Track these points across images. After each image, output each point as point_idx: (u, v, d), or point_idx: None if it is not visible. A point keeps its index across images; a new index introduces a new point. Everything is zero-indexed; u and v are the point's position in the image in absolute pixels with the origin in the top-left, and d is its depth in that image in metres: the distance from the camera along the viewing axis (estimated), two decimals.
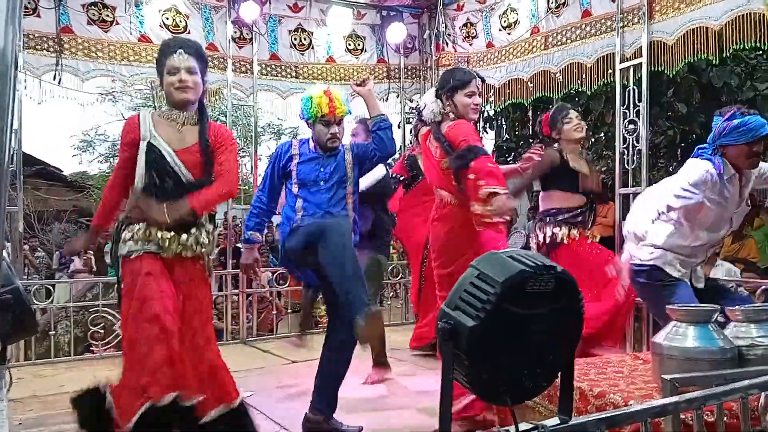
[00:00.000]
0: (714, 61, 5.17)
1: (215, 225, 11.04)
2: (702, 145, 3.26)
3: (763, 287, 4.17)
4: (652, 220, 3.21)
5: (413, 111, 7.95)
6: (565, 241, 4.11)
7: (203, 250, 2.91)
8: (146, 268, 2.75)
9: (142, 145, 2.84)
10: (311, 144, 3.57)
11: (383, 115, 3.57)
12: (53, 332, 5.54)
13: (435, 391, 1.38)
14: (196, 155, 2.87)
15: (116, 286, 2.96)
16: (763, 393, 1.77)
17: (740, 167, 3.15)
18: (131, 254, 2.79)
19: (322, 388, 3.50)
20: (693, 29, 4.69)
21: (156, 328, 2.61)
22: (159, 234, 2.78)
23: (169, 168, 2.83)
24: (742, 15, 4.36)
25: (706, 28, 4.60)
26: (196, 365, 2.78)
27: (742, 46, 4.51)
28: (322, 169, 3.51)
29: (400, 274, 7.08)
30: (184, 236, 2.82)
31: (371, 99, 3.60)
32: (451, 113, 3.42)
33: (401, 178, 5.11)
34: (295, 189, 3.49)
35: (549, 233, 4.16)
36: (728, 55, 4.91)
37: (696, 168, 3.12)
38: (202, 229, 2.91)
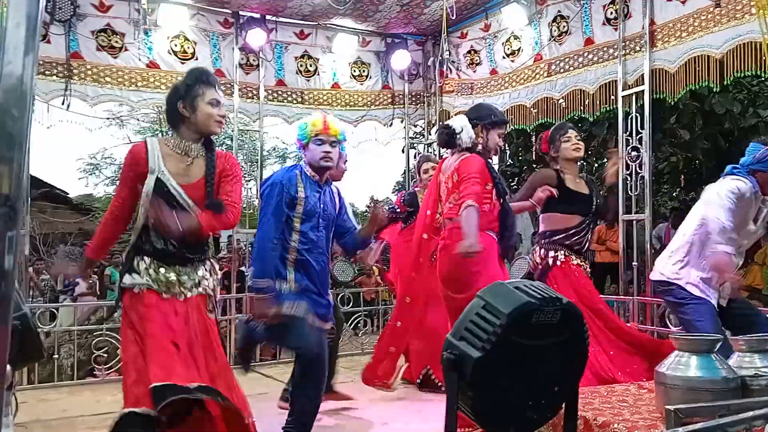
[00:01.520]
0: (716, 89, 5.21)
1: (219, 249, 11.07)
2: (735, 165, 3.47)
3: None
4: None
5: (417, 136, 8.05)
6: (558, 264, 4.10)
7: (207, 287, 2.90)
8: (152, 303, 2.73)
9: (150, 179, 2.78)
10: (307, 170, 3.44)
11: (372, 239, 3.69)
12: (57, 356, 5.54)
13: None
14: (202, 189, 2.83)
15: (116, 309, 2.94)
16: (767, 424, 1.77)
17: (766, 192, 3.38)
18: (134, 287, 2.76)
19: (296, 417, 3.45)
20: (694, 57, 4.74)
21: (163, 354, 2.60)
22: (163, 272, 2.77)
23: (177, 205, 2.78)
24: (743, 44, 4.41)
25: (708, 56, 4.65)
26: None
27: (743, 73, 4.56)
28: (321, 204, 3.41)
29: (388, 302, 7.07)
30: (185, 278, 2.81)
31: (375, 225, 3.57)
32: (480, 145, 3.53)
33: (398, 210, 5.14)
34: (296, 224, 3.34)
35: (543, 255, 4.16)
36: (730, 82, 4.94)
37: (736, 182, 3.36)
38: (205, 264, 2.90)
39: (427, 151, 7.40)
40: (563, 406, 1.50)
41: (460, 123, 3.57)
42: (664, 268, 3.56)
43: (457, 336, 1.40)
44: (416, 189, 5.32)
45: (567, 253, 4.15)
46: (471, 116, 3.61)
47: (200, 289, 2.87)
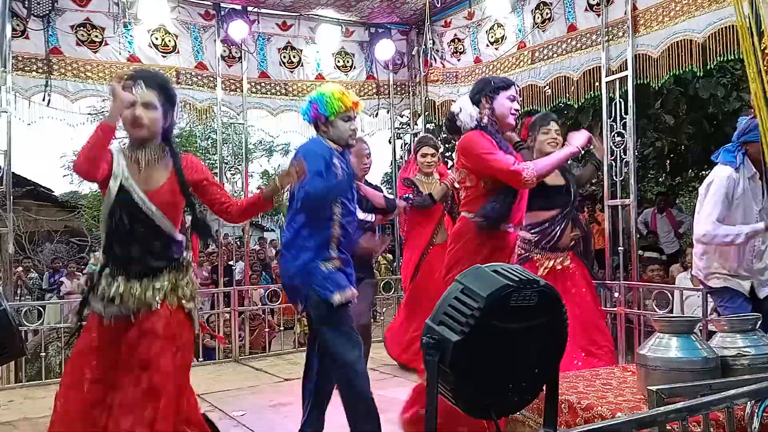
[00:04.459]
0: (699, 73, 5.22)
1: (207, 244, 10.99)
2: (727, 145, 3.54)
3: None
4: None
5: (403, 126, 8.04)
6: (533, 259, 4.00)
7: (177, 297, 2.78)
8: (89, 340, 2.70)
9: (113, 184, 2.69)
10: (330, 143, 3.29)
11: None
12: (44, 354, 5.50)
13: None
14: (166, 196, 2.76)
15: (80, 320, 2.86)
16: (749, 402, 1.79)
17: (760, 162, 3.36)
18: (96, 311, 2.72)
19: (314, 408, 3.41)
20: (677, 42, 4.74)
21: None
22: (121, 286, 2.69)
23: (140, 213, 2.71)
24: (725, 27, 4.41)
25: (690, 40, 4.65)
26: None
27: (726, 57, 4.56)
28: (347, 175, 3.32)
29: (393, 290, 7.07)
30: (147, 292, 2.70)
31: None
32: (485, 118, 3.29)
33: (411, 197, 5.17)
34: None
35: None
36: (713, 66, 4.94)
37: (715, 182, 3.46)
38: (178, 272, 2.81)
39: (414, 142, 7.39)
40: (544, 388, 1.50)
41: (458, 104, 3.39)
42: (695, 266, 3.71)
43: (436, 320, 1.39)
44: (413, 177, 5.31)
45: (538, 254, 4.06)
46: (471, 94, 3.40)
47: (171, 300, 2.75)
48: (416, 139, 5.77)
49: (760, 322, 2.26)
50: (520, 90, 5.91)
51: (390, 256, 9.44)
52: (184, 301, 2.79)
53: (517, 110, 3.39)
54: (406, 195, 5.22)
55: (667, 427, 1.62)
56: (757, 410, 1.76)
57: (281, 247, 3.59)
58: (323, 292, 3.15)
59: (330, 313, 3.16)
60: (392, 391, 4.67)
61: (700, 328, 4.23)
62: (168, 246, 2.80)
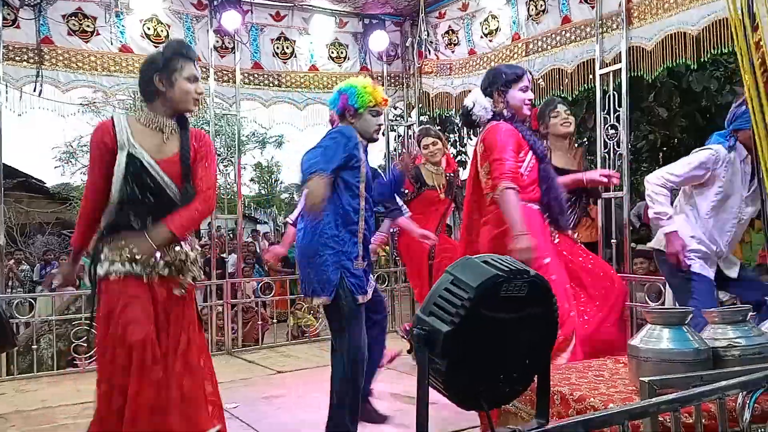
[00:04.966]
0: (693, 66, 5.21)
1: (200, 236, 10.96)
2: (720, 131, 3.55)
3: None
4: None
5: (397, 118, 8.01)
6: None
7: (190, 267, 2.79)
8: (129, 291, 2.62)
9: (121, 155, 2.65)
10: (357, 135, 3.30)
11: None
12: (35, 346, 5.48)
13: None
14: (178, 165, 2.73)
15: (92, 306, 2.76)
16: (740, 393, 1.79)
17: (751, 148, 3.35)
18: (110, 275, 2.64)
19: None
20: (671, 34, 4.73)
21: (138, 357, 2.52)
22: (140, 255, 2.66)
23: (151, 181, 2.67)
24: (719, 20, 4.40)
25: (684, 33, 4.64)
26: (169, 390, 2.62)
27: (720, 50, 4.55)
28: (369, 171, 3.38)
29: (387, 282, 7.07)
30: (167, 257, 2.71)
31: None
32: (504, 110, 3.30)
33: (407, 192, 5.11)
34: (362, 188, 3.25)
35: None
36: (707, 59, 4.94)
37: (700, 151, 3.47)
38: (185, 245, 2.80)
39: (408, 135, 7.37)
40: (535, 379, 1.50)
41: (471, 98, 3.39)
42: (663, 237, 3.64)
43: (426, 312, 1.38)
44: (419, 164, 5.22)
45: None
46: (483, 86, 3.41)
47: (182, 269, 2.76)
48: (417, 131, 5.75)
49: (750, 313, 2.26)
50: None
51: (388, 248, 9.47)
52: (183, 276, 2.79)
53: (531, 100, 3.39)
54: (403, 190, 5.18)
55: (659, 418, 1.62)
56: (748, 401, 1.76)
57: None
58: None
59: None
60: (389, 386, 4.68)
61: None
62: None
